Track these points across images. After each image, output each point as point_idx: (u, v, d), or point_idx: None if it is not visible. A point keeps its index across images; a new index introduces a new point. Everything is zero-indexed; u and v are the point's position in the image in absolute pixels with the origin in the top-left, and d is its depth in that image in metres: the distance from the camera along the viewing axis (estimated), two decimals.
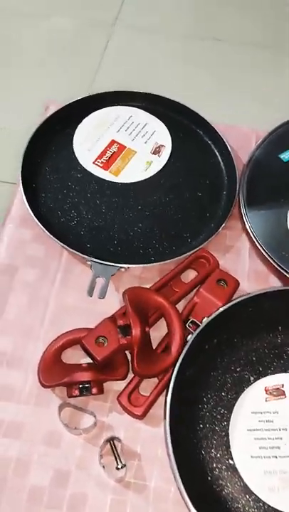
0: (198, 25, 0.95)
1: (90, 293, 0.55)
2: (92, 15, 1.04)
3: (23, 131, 0.66)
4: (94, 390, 0.51)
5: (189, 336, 0.50)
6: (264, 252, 0.58)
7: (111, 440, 0.49)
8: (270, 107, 0.80)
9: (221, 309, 0.51)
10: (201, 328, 0.50)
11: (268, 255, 0.58)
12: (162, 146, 0.67)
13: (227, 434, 0.51)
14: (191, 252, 0.59)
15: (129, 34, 0.99)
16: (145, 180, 0.65)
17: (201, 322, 0.51)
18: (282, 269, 0.57)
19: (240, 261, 0.61)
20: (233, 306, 0.51)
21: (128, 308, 0.50)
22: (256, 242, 0.59)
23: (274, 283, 0.60)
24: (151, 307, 0.54)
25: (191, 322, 0.52)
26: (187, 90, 0.79)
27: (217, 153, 0.68)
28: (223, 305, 0.53)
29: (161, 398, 0.52)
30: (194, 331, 0.50)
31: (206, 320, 0.50)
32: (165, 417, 0.47)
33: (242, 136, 0.71)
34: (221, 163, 0.67)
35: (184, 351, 0.49)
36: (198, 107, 0.71)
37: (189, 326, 0.52)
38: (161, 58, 0.91)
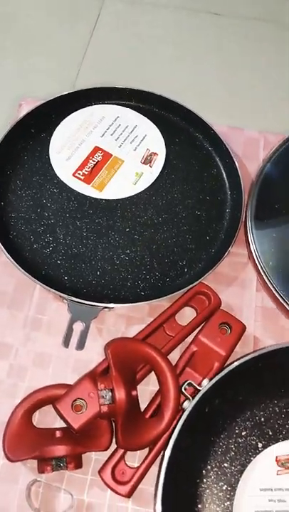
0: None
1: (66, 343, 0.46)
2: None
3: None
4: (70, 466, 0.42)
5: (186, 403, 0.41)
6: (272, 287, 0.49)
7: None
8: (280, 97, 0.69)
9: (226, 370, 0.42)
10: (201, 394, 0.41)
11: (277, 291, 0.49)
12: (154, 153, 0.57)
13: None
14: (189, 286, 0.50)
15: (118, 16, 0.87)
16: (134, 196, 0.55)
17: (200, 383, 0.42)
18: None
19: (246, 296, 0.52)
20: (241, 365, 0.42)
21: (111, 369, 0.41)
22: (264, 274, 0.49)
23: (286, 323, 0.51)
24: (139, 361, 0.45)
25: (188, 384, 0.43)
26: (183, 79, 0.69)
27: (219, 163, 0.57)
28: (225, 361, 0.44)
29: (154, 468, 0.43)
30: (192, 396, 0.41)
31: (206, 383, 0.41)
32: (156, 501, 0.39)
33: (248, 140, 0.61)
34: (224, 174, 0.57)
35: (181, 423, 0.40)
36: (196, 100, 0.60)
37: (185, 389, 0.43)
38: (154, 39, 0.79)
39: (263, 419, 0.45)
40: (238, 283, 0.52)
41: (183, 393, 0.43)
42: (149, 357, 0.45)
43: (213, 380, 0.41)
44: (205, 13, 0.78)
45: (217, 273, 0.52)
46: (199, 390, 0.41)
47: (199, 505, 0.43)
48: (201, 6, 0.79)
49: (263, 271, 0.50)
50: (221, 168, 0.57)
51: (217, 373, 0.42)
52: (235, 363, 0.42)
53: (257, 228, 0.52)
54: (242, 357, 0.42)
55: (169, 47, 0.76)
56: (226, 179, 0.57)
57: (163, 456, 0.40)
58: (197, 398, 0.40)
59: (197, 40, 0.75)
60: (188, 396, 0.42)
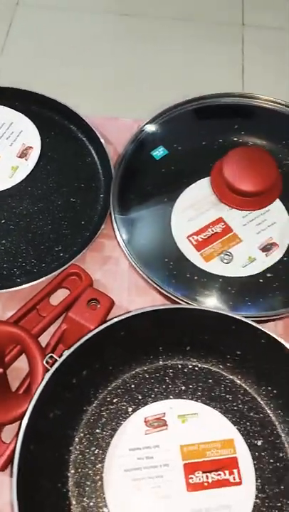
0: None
1: None
2: None
3: None
4: None
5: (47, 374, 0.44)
6: (134, 265, 0.52)
7: None
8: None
9: (83, 339, 0.44)
10: (59, 363, 0.43)
11: (138, 268, 0.52)
12: (30, 147, 0.60)
13: (101, 478, 0.45)
14: (62, 268, 0.52)
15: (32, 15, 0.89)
16: (10, 188, 0.57)
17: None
18: (156, 284, 0.51)
19: (119, 274, 0.55)
20: (99, 333, 0.45)
21: None
22: (127, 254, 0.52)
23: (157, 298, 0.54)
24: (8, 342, 0.47)
25: (50, 357, 0.45)
26: (65, 77, 0.71)
27: (93, 152, 0.60)
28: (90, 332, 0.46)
29: None
30: (51, 366, 0.44)
31: (65, 353, 0.44)
32: (12, 476, 0.41)
33: (123, 129, 0.64)
34: (98, 162, 0.60)
35: (38, 392, 0.42)
36: (76, 95, 0.63)
37: (47, 362, 0.45)
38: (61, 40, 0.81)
39: (133, 385, 0.48)
40: (112, 262, 0.55)
41: (46, 366, 0.45)
42: (17, 337, 0.47)
43: (71, 349, 0.43)
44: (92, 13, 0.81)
45: (93, 255, 0.55)
46: (57, 360, 0.44)
47: (72, 471, 0.45)
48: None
49: (125, 251, 0.53)
50: (95, 156, 0.60)
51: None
52: (91, 333, 0.44)
53: (120, 212, 0.55)
54: (98, 326, 0.45)
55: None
56: (99, 167, 0.60)
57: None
58: (55, 367, 0.43)
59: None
60: (48, 367, 0.44)
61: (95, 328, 0.45)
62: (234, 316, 0.45)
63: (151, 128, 0.59)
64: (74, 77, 0.70)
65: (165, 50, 0.76)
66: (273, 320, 0.51)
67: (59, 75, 0.71)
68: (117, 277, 0.54)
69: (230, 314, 0.45)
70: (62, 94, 0.62)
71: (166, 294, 0.51)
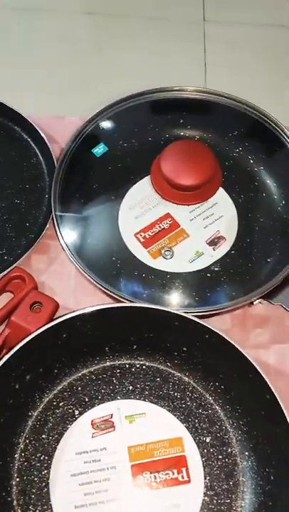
0: None
1: None
2: None
3: None
4: None
5: None
6: (80, 267, 0.51)
7: None
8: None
9: (22, 343, 0.43)
10: None
11: (81, 269, 0.51)
12: None
13: (47, 485, 0.44)
14: (5, 272, 0.51)
15: None
16: None
17: None
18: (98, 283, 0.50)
19: (66, 275, 0.54)
20: (40, 335, 0.44)
21: None
22: (69, 255, 0.51)
23: (105, 298, 0.53)
24: None
25: None
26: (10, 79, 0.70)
27: (38, 152, 0.59)
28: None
29: None
30: None
31: (4, 358, 0.43)
32: None
33: (70, 127, 0.62)
34: (43, 162, 0.58)
35: None
36: (22, 96, 0.62)
37: None
38: None
39: (80, 388, 0.47)
40: (58, 263, 0.54)
41: None
42: None
43: (9, 354, 0.42)
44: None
45: (39, 256, 0.54)
46: None
47: (17, 479, 0.44)
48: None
49: (67, 252, 0.52)
50: (40, 156, 0.59)
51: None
52: (30, 336, 0.43)
53: (61, 211, 0.53)
54: (39, 328, 0.44)
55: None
56: (44, 167, 0.59)
57: None
58: None
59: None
60: None
61: (35, 331, 0.44)
62: (175, 311, 0.45)
63: (94, 125, 0.58)
64: (24, 76, 0.69)
65: (124, 48, 0.75)
66: (221, 313, 0.51)
67: (5, 75, 0.69)
68: (63, 279, 0.53)
69: (171, 310, 0.45)
70: (6, 96, 0.61)
71: (113, 294, 0.50)
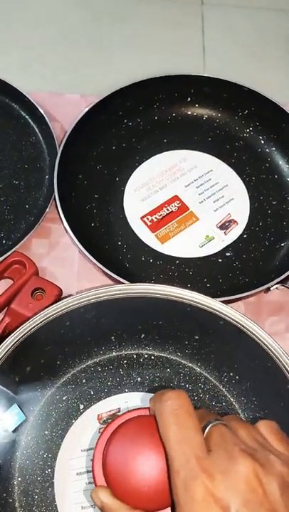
0: None
1: None
2: None
3: None
4: None
5: None
6: (84, 252, 0.47)
7: None
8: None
9: (19, 332, 0.40)
10: None
11: (90, 255, 0.47)
12: None
13: (52, 484, 0.41)
14: (4, 257, 0.48)
15: None
16: None
17: None
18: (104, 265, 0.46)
19: (68, 261, 0.50)
20: (40, 323, 0.41)
21: None
22: (74, 239, 0.47)
23: (104, 279, 0.49)
24: None
25: None
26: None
27: (37, 130, 0.56)
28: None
29: None
30: None
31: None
32: None
33: (71, 105, 0.59)
34: (42, 141, 0.55)
35: None
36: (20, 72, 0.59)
37: None
38: None
39: (84, 380, 0.44)
40: (60, 248, 0.51)
41: None
42: None
43: (4, 343, 0.39)
44: None
45: (39, 240, 0.51)
46: None
47: (19, 479, 0.41)
48: None
49: (71, 236, 0.48)
50: (39, 135, 0.56)
51: None
52: (29, 324, 0.40)
53: (64, 193, 0.50)
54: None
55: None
56: (44, 146, 0.55)
57: None
58: None
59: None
60: None
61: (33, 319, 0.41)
62: (188, 297, 0.41)
63: (99, 105, 0.54)
64: (19, 52, 0.65)
65: (123, 29, 0.72)
66: (234, 301, 0.48)
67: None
68: (66, 264, 0.50)
69: (183, 294, 0.41)
70: (3, 73, 0.57)
71: (119, 279, 0.47)
